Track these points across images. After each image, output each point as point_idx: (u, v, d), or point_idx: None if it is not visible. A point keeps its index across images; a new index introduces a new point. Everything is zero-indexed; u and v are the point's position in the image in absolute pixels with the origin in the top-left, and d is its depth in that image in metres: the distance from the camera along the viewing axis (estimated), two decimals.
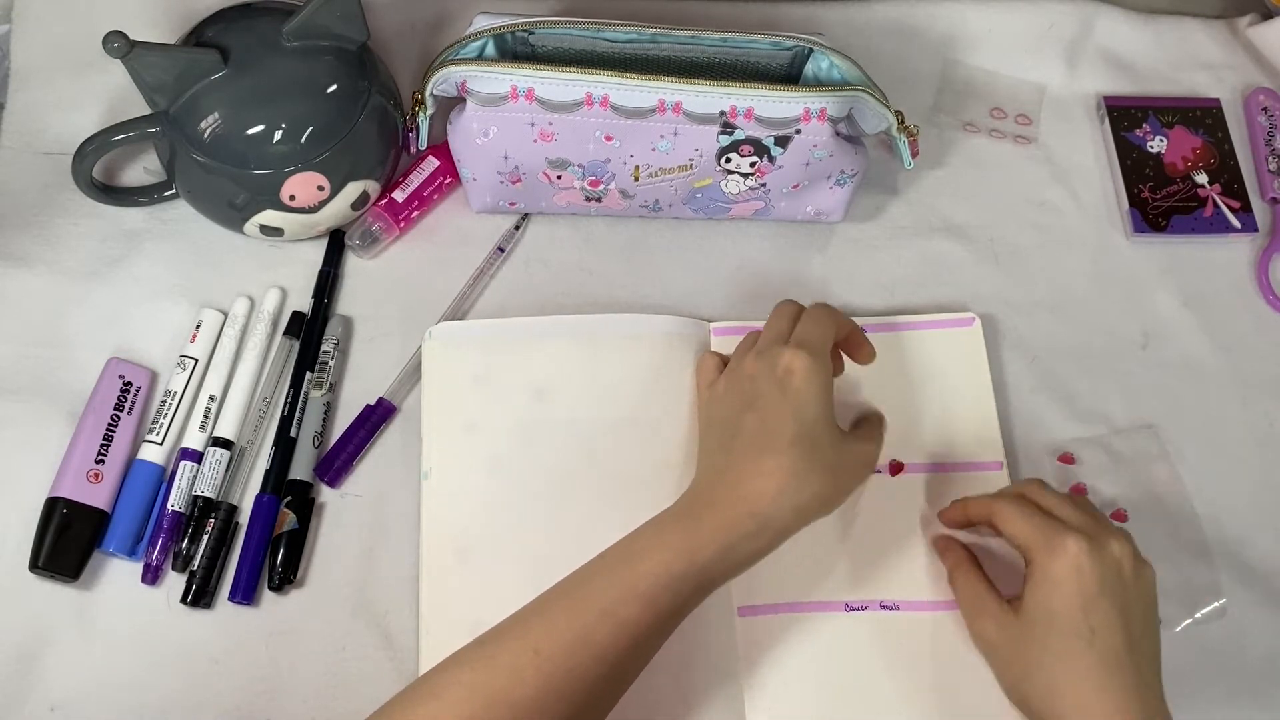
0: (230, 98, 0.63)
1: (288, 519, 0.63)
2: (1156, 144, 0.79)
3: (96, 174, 0.67)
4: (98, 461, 0.63)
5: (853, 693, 0.61)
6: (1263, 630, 0.65)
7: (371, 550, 0.64)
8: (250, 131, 0.63)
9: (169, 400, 0.66)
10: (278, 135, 0.64)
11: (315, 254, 0.71)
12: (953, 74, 0.81)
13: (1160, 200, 0.77)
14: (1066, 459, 0.69)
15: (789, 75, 0.68)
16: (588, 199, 0.70)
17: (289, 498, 0.64)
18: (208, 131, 0.63)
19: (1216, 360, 0.73)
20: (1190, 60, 0.83)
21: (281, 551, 0.63)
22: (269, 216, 0.67)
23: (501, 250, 0.72)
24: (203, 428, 0.66)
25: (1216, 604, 0.65)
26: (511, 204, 0.72)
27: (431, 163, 0.72)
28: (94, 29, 0.60)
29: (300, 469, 0.65)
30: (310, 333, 0.68)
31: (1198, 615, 0.65)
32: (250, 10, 0.67)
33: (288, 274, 0.71)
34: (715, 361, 0.65)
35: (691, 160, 0.66)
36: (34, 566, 0.61)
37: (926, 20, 0.82)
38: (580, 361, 0.67)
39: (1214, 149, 0.79)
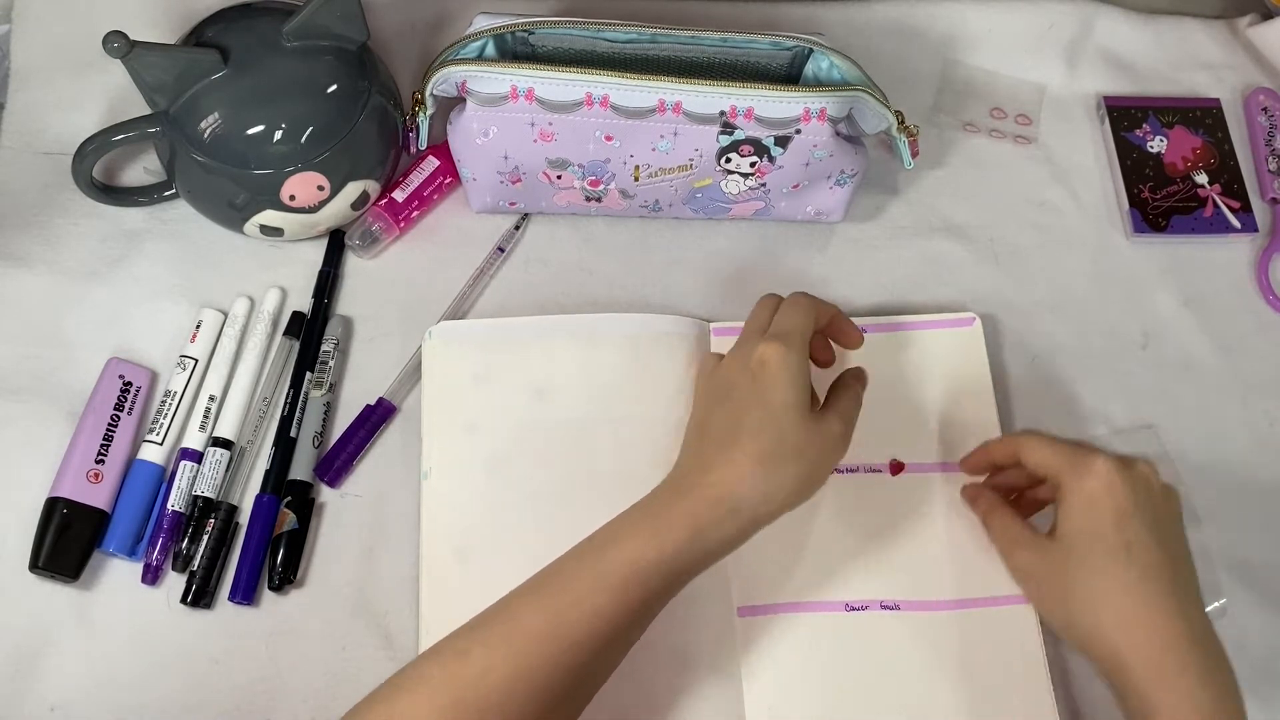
0: (230, 98, 0.63)
1: (288, 519, 0.63)
2: (1156, 144, 0.79)
3: (96, 174, 0.68)
4: (98, 461, 0.63)
5: (853, 692, 0.61)
6: (1263, 630, 0.65)
7: (371, 550, 0.64)
8: (250, 131, 0.63)
9: (169, 400, 0.66)
10: (278, 135, 0.64)
11: (315, 254, 0.71)
12: (953, 74, 0.81)
13: (1160, 200, 0.77)
14: None
15: (789, 75, 0.68)
16: (588, 199, 0.70)
17: (289, 498, 0.64)
18: (208, 131, 0.63)
19: (1216, 360, 0.73)
20: (1190, 60, 0.83)
21: (281, 551, 0.63)
22: (269, 216, 0.67)
23: (501, 250, 0.72)
24: (203, 428, 0.66)
25: (1217, 604, 0.65)
26: (511, 204, 0.72)
27: (431, 163, 0.72)
28: (94, 29, 0.60)
29: (300, 469, 0.65)
30: (310, 333, 0.68)
31: None
32: (250, 10, 0.67)
33: (288, 274, 0.71)
34: (715, 359, 0.65)
35: (691, 160, 0.66)
36: (34, 566, 0.61)
37: (926, 20, 0.82)
38: (580, 361, 0.67)
39: (1214, 149, 0.79)
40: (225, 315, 0.69)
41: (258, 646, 0.62)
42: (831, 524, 0.64)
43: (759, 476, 0.54)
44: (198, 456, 0.65)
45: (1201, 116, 0.80)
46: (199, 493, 0.64)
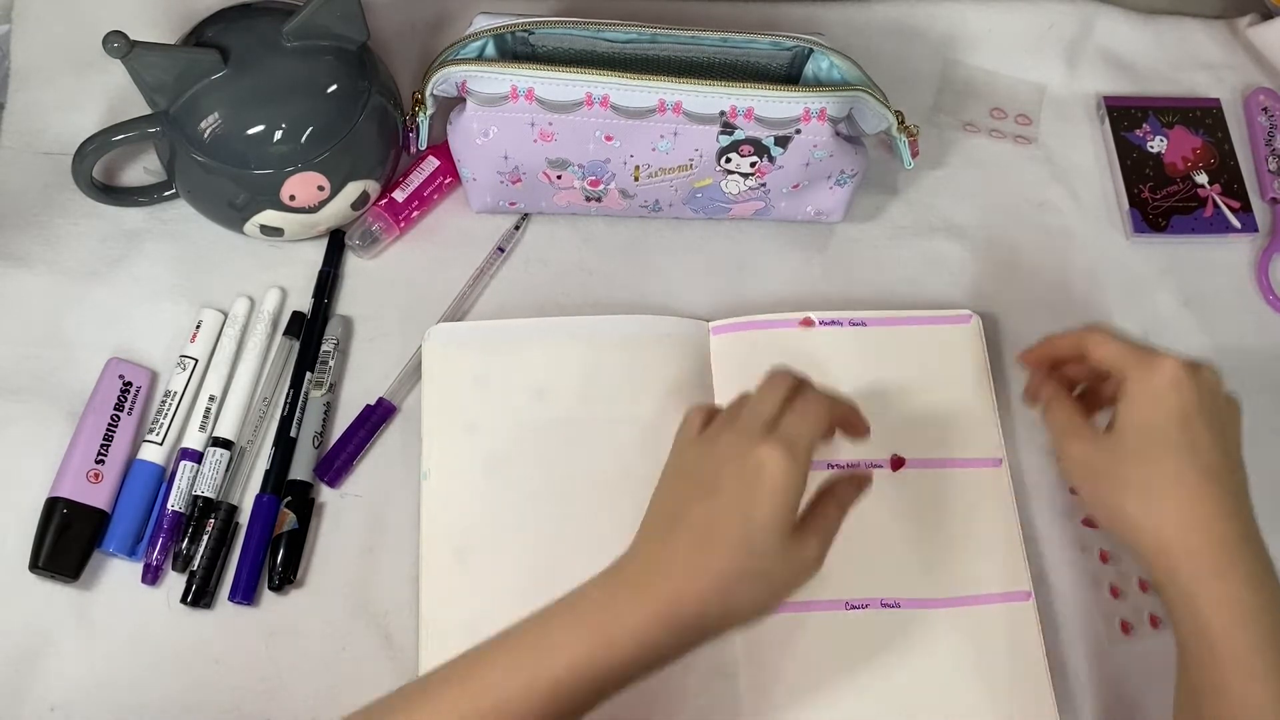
0: (230, 98, 0.63)
1: (288, 519, 0.63)
2: (1156, 144, 0.79)
3: (96, 174, 0.68)
4: (98, 461, 0.63)
5: (853, 692, 0.61)
6: None
7: (371, 550, 0.64)
8: (250, 131, 0.63)
9: (169, 400, 0.66)
10: (278, 135, 0.64)
11: (315, 254, 0.71)
12: (953, 74, 0.81)
13: (1160, 200, 0.77)
14: None
15: (789, 75, 0.68)
16: (588, 199, 0.70)
17: (289, 498, 0.64)
18: (208, 131, 0.63)
19: (1216, 360, 0.72)
20: (1190, 60, 0.83)
21: (281, 551, 0.63)
22: (269, 216, 0.67)
23: (501, 250, 0.72)
24: (203, 428, 0.66)
25: None
26: (511, 204, 0.72)
27: (431, 163, 0.72)
28: (94, 29, 0.60)
29: (300, 469, 0.65)
30: (310, 333, 0.68)
31: None
32: (250, 10, 0.67)
33: (288, 274, 0.71)
34: (702, 417, 0.57)
35: (691, 160, 0.66)
36: (34, 566, 0.61)
37: (926, 20, 0.82)
38: (580, 362, 0.67)
39: (1214, 149, 0.79)
40: (225, 315, 0.69)
41: (258, 646, 0.62)
42: None
43: (722, 596, 0.50)
44: (198, 456, 0.65)
45: (1201, 116, 0.80)
46: (199, 493, 0.64)
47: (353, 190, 0.68)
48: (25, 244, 0.70)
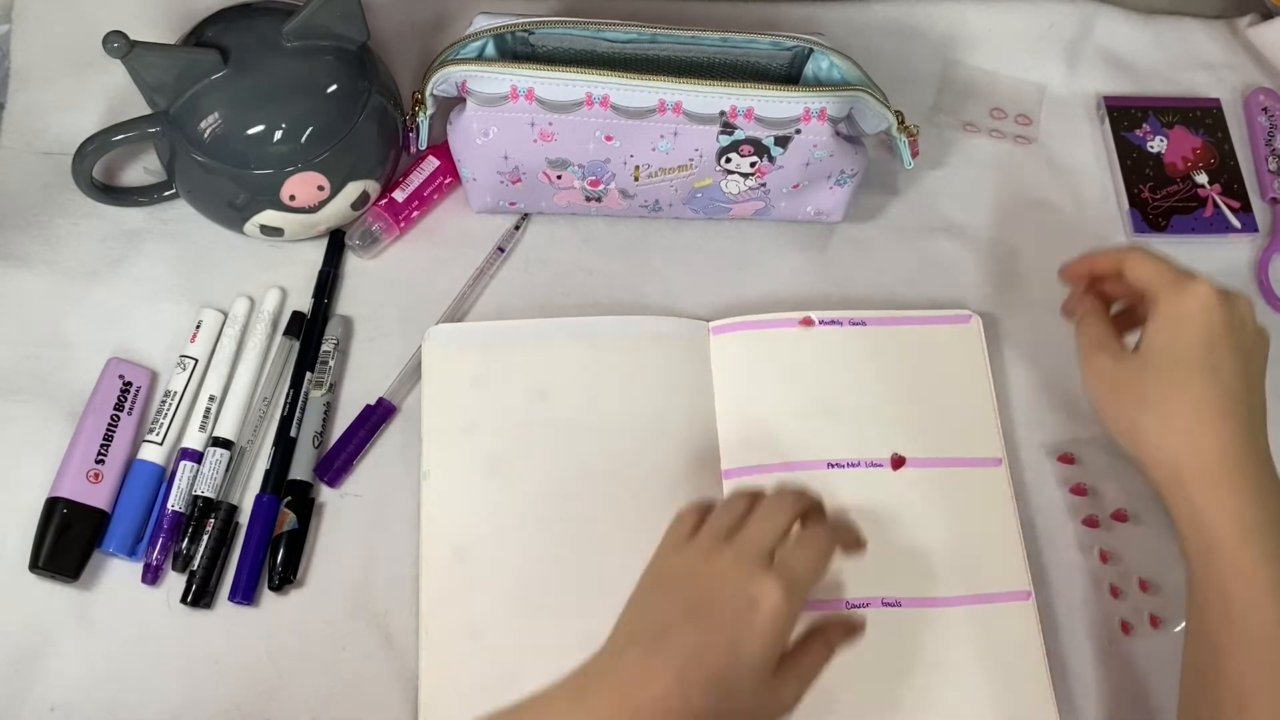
0: (230, 98, 0.63)
1: (288, 519, 0.63)
2: (1156, 144, 0.79)
3: (96, 174, 0.68)
4: (98, 461, 0.63)
5: (853, 690, 0.61)
6: None
7: (371, 550, 0.64)
8: (250, 131, 0.63)
9: (169, 400, 0.66)
10: (278, 135, 0.64)
11: (315, 254, 0.71)
12: (953, 74, 0.81)
13: (1160, 200, 0.77)
14: (1066, 459, 0.69)
15: (789, 75, 0.68)
16: (588, 199, 0.70)
17: (289, 498, 0.64)
18: (208, 131, 0.63)
19: None
20: (1190, 60, 0.83)
21: (281, 551, 0.63)
22: (269, 216, 0.67)
23: (501, 250, 0.72)
24: (203, 428, 0.66)
25: None
26: (511, 204, 0.72)
27: (431, 163, 0.72)
28: (94, 29, 0.60)
29: (300, 469, 0.65)
30: (310, 333, 0.68)
31: None
32: (250, 10, 0.67)
33: (288, 274, 0.71)
34: (693, 521, 0.55)
35: (691, 160, 0.66)
36: (34, 566, 0.61)
37: (926, 20, 0.82)
38: (580, 362, 0.67)
39: (1214, 149, 0.79)
40: (225, 315, 0.69)
41: (258, 646, 0.62)
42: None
43: None
44: (198, 456, 0.65)
45: (1201, 116, 0.80)
46: (199, 493, 0.64)
47: (353, 190, 0.68)
48: (25, 244, 0.70)
